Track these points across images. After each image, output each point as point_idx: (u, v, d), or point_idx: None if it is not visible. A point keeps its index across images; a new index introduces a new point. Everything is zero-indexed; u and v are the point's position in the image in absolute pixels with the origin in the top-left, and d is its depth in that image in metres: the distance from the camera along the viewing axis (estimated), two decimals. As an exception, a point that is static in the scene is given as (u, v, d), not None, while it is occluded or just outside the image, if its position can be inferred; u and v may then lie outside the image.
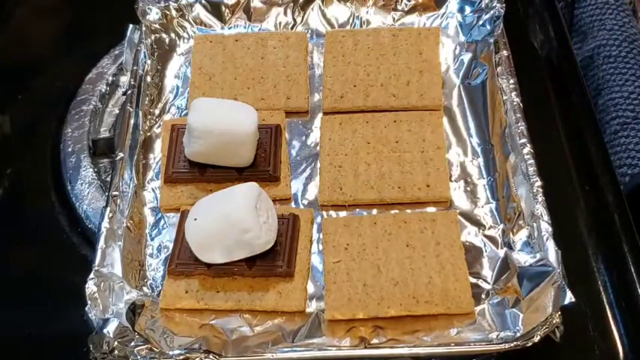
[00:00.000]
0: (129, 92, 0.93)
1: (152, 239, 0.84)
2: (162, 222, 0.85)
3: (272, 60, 0.97)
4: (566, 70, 0.99)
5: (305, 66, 0.96)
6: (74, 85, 1.01)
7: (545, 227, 0.75)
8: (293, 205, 0.85)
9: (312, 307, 0.77)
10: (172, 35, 1.02)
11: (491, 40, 0.94)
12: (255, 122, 0.83)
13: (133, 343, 0.72)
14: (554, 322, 0.69)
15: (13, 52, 1.10)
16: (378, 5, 1.02)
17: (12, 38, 1.11)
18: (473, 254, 0.79)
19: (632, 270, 0.81)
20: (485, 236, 0.81)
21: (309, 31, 1.01)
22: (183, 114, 0.94)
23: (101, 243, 0.78)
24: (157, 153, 0.90)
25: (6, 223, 0.91)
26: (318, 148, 0.89)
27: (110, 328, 0.72)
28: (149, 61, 0.97)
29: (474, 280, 0.77)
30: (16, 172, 0.96)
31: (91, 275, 0.75)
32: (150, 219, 0.85)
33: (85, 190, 0.91)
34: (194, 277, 0.78)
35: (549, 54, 1.02)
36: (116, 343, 0.72)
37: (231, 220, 0.75)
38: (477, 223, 0.82)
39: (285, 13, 1.03)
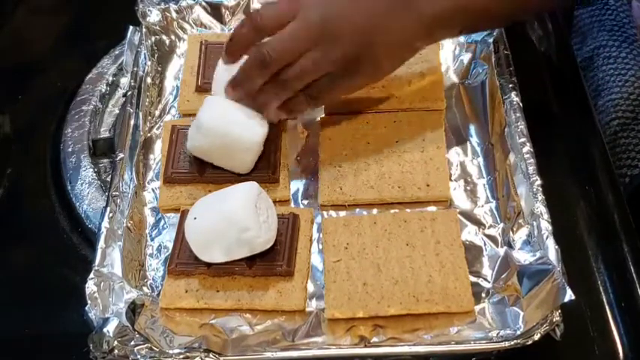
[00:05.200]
0: (129, 93, 0.93)
1: (152, 239, 0.84)
2: (162, 222, 0.85)
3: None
4: (566, 70, 0.99)
5: None
6: (74, 85, 1.01)
7: (545, 226, 0.75)
8: (293, 205, 0.85)
9: (312, 306, 0.77)
10: (172, 37, 1.02)
11: (491, 40, 0.94)
12: (264, 133, 0.83)
13: (132, 343, 0.72)
14: (554, 320, 0.69)
15: (13, 52, 1.10)
16: (378, 6, 1.02)
17: (12, 38, 1.12)
18: (473, 253, 0.79)
19: (632, 270, 0.81)
20: (485, 235, 0.80)
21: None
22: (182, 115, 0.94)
23: (101, 243, 0.78)
24: (157, 154, 0.90)
25: (6, 223, 0.92)
26: (318, 148, 0.89)
27: (110, 328, 0.72)
28: (149, 63, 0.97)
29: (474, 279, 0.77)
30: (16, 172, 0.96)
31: (91, 275, 0.75)
32: (150, 219, 0.85)
33: (85, 190, 0.91)
34: (194, 277, 0.78)
35: (549, 53, 1.02)
36: (116, 342, 0.72)
37: (231, 218, 0.75)
38: (477, 222, 0.82)
39: (285, 14, 1.02)
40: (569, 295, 0.69)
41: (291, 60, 0.78)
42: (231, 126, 0.82)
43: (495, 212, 0.82)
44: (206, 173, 0.86)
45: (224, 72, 0.83)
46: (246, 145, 0.83)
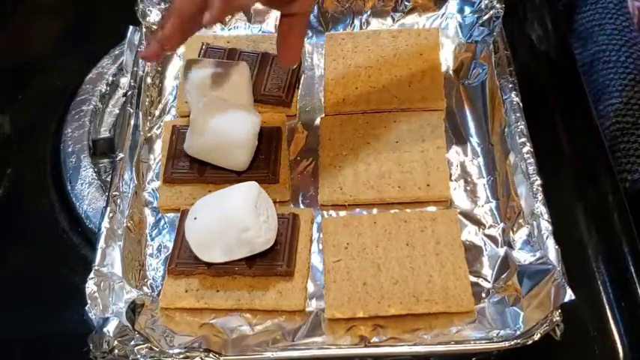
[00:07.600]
0: (129, 93, 0.93)
1: (152, 239, 0.84)
2: (162, 222, 0.85)
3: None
4: (566, 70, 0.99)
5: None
6: (74, 85, 1.01)
7: (545, 225, 0.75)
8: (293, 205, 0.85)
9: (312, 306, 0.77)
10: (172, 36, 1.02)
11: (491, 41, 0.94)
12: (254, 130, 0.83)
13: (132, 342, 0.72)
14: (554, 320, 0.69)
15: (13, 52, 1.10)
16: (378, 7, 1.02)
17: (12, 38, 1.11)
18: (473, 253, 0.79)
19: (632, 270, 0.81)
20: (485, 235, 0.81)
21: (308, 32, 1.01)
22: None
23: (101, 243, 0.78)
24: (157, 154, 0.90)
25: (6, 223, 0.92)
26: (318, 148, 0.89)
27: (110, 328, 0.72)
28: (149, 63, 0.97)
29: (474, 279, 0.77)
30: (16, 172, 0.96)
31: (91, 275, 0.75)
32: (150, 219, 0.85)
33: (85, 190, 0.91)
34: (194, 277, 0.78)
35: (549, 53, 1.02)
36: (116, 342, 0.72)
37: (231, 218, 0.75)
38: (477, 222, 0.82)
39: (285, 15, 1.02)
40: (569, 295, 0.69)
41: None
42: (224, 124, 0.82)
43: (495, 212, 0.82)
44: (206, 173, 0.86)
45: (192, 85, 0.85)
46: (240, 142, 0.83)
